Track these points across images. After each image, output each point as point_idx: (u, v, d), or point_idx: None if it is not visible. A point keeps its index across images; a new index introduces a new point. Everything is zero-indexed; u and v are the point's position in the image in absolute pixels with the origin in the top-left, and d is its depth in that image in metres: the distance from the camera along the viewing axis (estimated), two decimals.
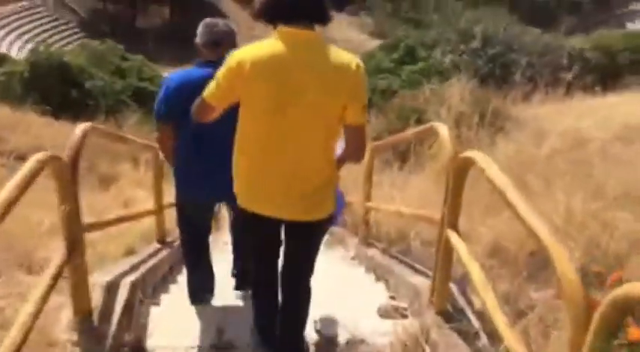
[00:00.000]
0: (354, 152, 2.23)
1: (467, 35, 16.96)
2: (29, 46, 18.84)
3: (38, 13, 35.55)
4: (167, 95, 2.73)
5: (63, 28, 35.28)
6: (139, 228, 4.13)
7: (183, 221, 3.10)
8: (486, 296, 2.01)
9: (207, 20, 2.94)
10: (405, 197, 4.94)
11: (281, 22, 2.06)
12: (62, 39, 32.43)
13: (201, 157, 2.76)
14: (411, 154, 6.49)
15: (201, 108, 2.19)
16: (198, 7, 42.56)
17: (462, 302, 2.70)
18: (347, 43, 39.34)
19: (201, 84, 2.21)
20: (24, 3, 35.19)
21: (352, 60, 2.09)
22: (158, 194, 4.07)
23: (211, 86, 2.12)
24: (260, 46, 2.08)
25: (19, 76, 10.68)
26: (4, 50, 21.34)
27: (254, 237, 2.44)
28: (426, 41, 17.28)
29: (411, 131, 4.55)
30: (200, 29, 2.88)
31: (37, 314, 1.74)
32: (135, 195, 5.64)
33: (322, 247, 2.50)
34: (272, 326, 2.50)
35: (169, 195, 6.30)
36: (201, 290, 3.17)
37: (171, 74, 2.95)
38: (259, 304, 2.54)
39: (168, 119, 2.77)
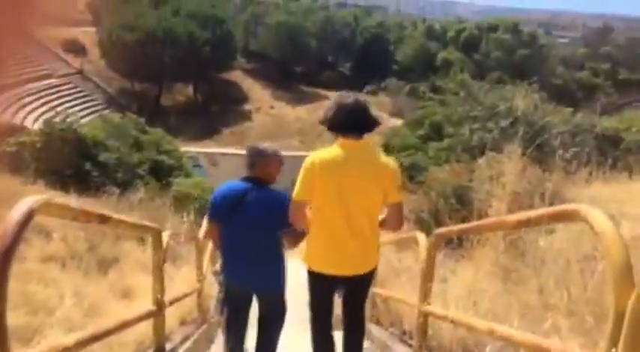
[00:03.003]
0: (394, 223, 3.07)
1: (495, 113, 16.41)
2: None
3: (66, 90, 36.38)
4: (215, 202, 3.35)
5: (90, 104, 35.90)
6: (132, 334, 3.26)
7: (226, 299, 3.53)
8: None
9: (251, 145, 3.59)
10: (456, 293, 4.06)
11: (340, 131, 2.92)
12: (88, 115, 32.87)
13: (239, 250, 3.34)
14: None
15: (295, 209, 2.92)
16: (221, 86, 43.69)
17: None
18: None
19: (240, 195, 3.27)
20: (53, 80, 36.11)
21: (389, 159, 3.05)
22: (159, 286, 3.21)
23: (296, 188, 2.87)
24: (326, 151, 2.92)
25: (30, 146, 10.24)
26: (30, 126, 21.42)
27: (320, 292, 3.16)
28: (452, 118, 16.75)
29: (519, 215, 2.41)
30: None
31: None
32: (137, 281, 4.79)
33: None
34: None
35: (176, 282, 5.50)
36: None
37: (220, 186, 3.47)
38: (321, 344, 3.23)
39: (216, 219, 3.37)
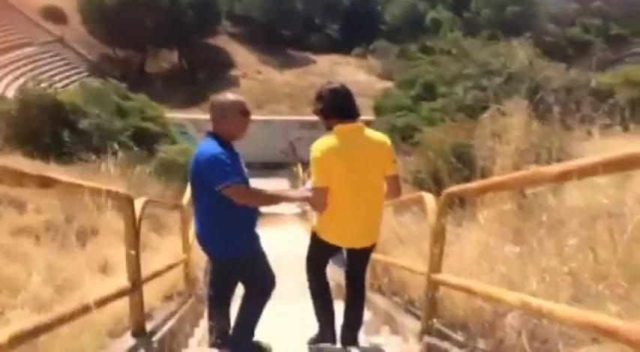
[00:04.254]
0: (395, 193, 3.32)
1: (488, 70, 15.96)
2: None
3: (47, 58, 35.26)
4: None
5: (71, 72, 34.85)
6: (108, 313, 2.90)
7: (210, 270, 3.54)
8: None
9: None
10: (464, 256, 3.74)
11: (338, 117, 3.17)
12: (70, 83, 31.91)
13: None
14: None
15: (317, 196, 3.12)
16: (207, 52, 42.59)
17: None
18: (355, 84, 38.73)
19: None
20: (31, 49, 34.98)
21: (382, 135, 3.32)
22: (133, 260, 2.82)
23: (313, 177, 3.12)
24: (329, 139, 3.13)
25: (6, 115, 9.69)
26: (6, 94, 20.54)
27: (322, 258, 3.50)
28: (444, 77, 16.28)
29: (563, 166, 1.93)
30: None
31: None
32: (117, 253, 4.40)
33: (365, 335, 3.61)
34: (332, 323, 3.48)
35: (160, 254, 5.13)
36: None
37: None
38: (321, 306, 3.47)
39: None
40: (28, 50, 34.16)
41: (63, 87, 25.17)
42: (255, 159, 23.44)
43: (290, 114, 32.12)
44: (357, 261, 3.48)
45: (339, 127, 3.11)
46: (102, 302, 2.48)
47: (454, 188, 3.01)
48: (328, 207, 3.10)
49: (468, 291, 2.58)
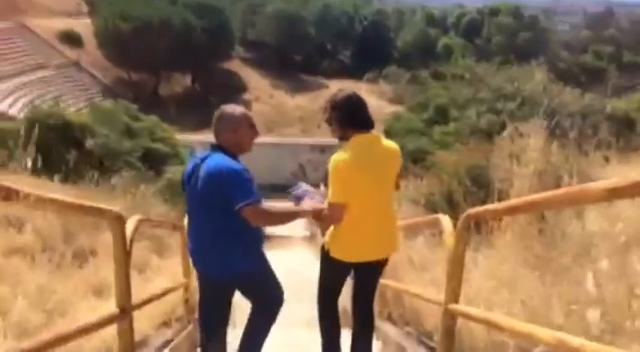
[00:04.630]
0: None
1: (502, 94, 15.77)
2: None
3: (61, 81, 35.67)
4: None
5: (85, 95, 35.20)
6: (97, 340, 2.67)
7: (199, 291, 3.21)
8: None
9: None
10: (482, 284, 3.47)
11: (355, 127, 2.99)
12: (85, 107, 32.18)
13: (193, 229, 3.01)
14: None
15: (335, 212, 2.93)
16: (220, 76, 42.93)
17: None
18: None
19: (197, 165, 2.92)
20: (47, 71, 35.44)
21: (395, 145, 3.14)
22: (122, 285, 2.57)
23: (332, 192, 2.90)
24: (349, 151, 2.92)
25: (15, 133, 9.62)
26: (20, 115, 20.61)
27: (336, 282, 3.25)
28: (457, 101, 16.11)
29: (610, 182, 1.58)
30: None
31: None
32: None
33: None
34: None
35: (159, 277, 4.88)
36: None
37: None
38: (329, 330, 3.25)
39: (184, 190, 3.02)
40: (43, 73, 34.62)
41: (77, 110, 25.37)
42: (264, 181, 23.35)
43: (300, 137, 32.10)
44: (369, 278, 3.26)
45: (358, 137, 2.95)
46: (86, 330, 2.25)
47: (476, 209, 2.72)
48: (345, 220, 2.92)
49: (492, 325, 2.30)
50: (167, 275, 4.61)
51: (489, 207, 2.51)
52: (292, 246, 12.21)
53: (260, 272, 2.97)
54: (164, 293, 3.48)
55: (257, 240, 2.99)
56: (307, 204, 3.08)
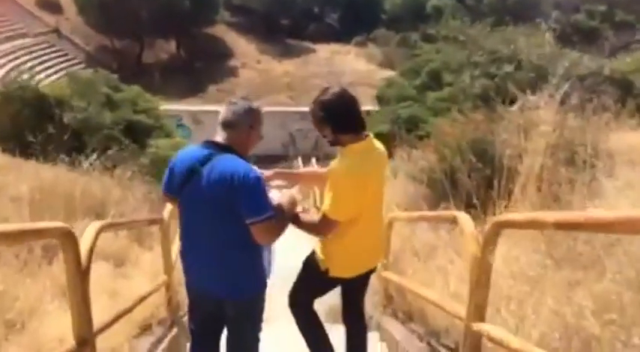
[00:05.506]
0: None
1: (497, 57, 15.24)
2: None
3: (42, 50, 34.48)
4: (170, 169, 2.57)
5: (67, 64, 34.08)
6: None
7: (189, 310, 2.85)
8: None
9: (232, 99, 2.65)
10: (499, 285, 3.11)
11: (351, 131, 2.63)
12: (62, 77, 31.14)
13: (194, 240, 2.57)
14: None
15: (328, 227, 2.60)
16: (205, 42, 41.78)
17: None
18: (355, 74, 38.12)
19: (195, 164, 2.38)
20: (27, 40, 34.26)
21: (383, 147, 2.83)
22: (79, 314, 2.07)
23: (332, 205, 2.55)
24: (352, 161, 2.58)
25: None
26: None
27: (316, 294, 2.99)
28: (450, 65, 15.58)
29: None
30: None
31: None
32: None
33: None
34: None
35: (136, 276, 4.43)
36: None
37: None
38: (316, 341, 2.96)
39: (168, 193, 2.62)
40: (23, 41, 33.39)
41: (58, 78, 24.47)
42: (254, 152, 22.96)
43: (289, 104, 31.44)
44: (361, 286, 3.07)
45: (357, 146, 2.60)
46: None
47: (511, 217, 2.25)
48: (347, 237, 2.65)
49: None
50: (147, 271, 4.20)
51: (531, 216, 2.00)
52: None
53: (263, 296, 2.62)
54: (139, 301, 3.08)
55: (261, 253, 2.61)
56: (307, 216, 2.67)
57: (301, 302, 2.96)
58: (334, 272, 2.76)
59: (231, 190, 2.29)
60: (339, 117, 2.59)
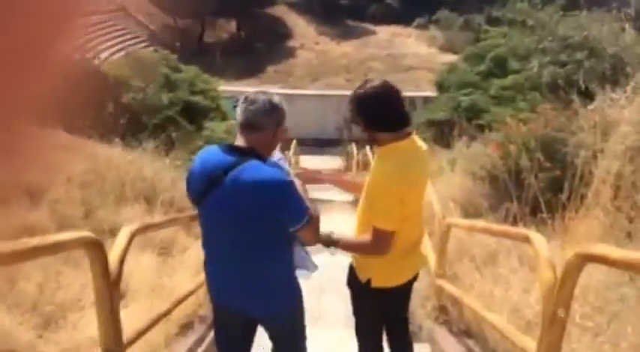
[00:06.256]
0: None
1: (568, 45, 14.37)
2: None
3: (107, 27, 35.45)
4: (190, 174, 2.31)
5: (131, 42, 34.91)
6: None
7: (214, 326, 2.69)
8: None
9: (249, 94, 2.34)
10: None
11: (398, 128, 2.40)
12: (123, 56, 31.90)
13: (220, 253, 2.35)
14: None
15: (385, 241, 2.35)
16: (265, 22, 41.83)
17: None
18: (416, 57, 37.22)
19: (217, 173, 2.12)
20: (94, 18, 35.21)
21: (425, 146, 2.60)
22: (108, 327, 1.94)
23: (384, 216, 2.33)
24: (400, 162, 2.36)
25: None
26: None
27: (380, 318, 2.82)
28: (518, 51, 14.81)
29: None
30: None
31: None
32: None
33: None
34: None
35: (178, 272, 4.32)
36: None
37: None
38: None
39: (191, 199, 2.34)
40: (91, 19, 34.48)
41: (118, 58, 25.10)
42: (308, 136, 22.74)
43: (346, 87, 31.07)
44: (405, 298, 2.88)
45: (396, 146, 2.38)
46: None
47: (596, 249, 1.78)
48: (394, 248, 2.42)
49: None
50: (192, 264, 4.10)
51: (631, 256, 1.57)
52: (335, 212, 10.72)
53: (302, 308, 2.45)
54: (179, 302, 2.95)
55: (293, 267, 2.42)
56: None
57: (368, 338, 2.80)
58: (376, 283, 2.56)
59: (266, 203, 2.08)
60: (371, 113, 2.38)
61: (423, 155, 2.52)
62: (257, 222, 2.13)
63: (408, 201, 2.38)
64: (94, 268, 1.79)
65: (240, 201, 2.10)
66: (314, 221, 2.21)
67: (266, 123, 2.23)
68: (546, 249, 2.10)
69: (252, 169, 2.11)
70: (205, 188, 2.16)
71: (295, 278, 2.38)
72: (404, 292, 2.78)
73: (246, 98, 2.27)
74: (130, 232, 2.18)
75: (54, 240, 1.68)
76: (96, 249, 1.76)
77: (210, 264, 2.36)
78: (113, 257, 1.94)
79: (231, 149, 2.20)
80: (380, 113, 2.36)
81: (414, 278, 2.78)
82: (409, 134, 2.44)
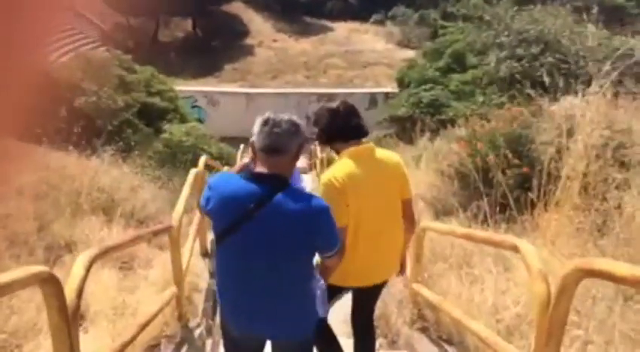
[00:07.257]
0: (410, 223, 2.93)
1: (524, 39, 14.63)
2: None
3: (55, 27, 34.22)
4: (209, 199, 2.13)
5: (81, 42, 33.81)
6: None
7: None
8: None
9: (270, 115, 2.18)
10: None
11: (342, 139, 2.74)
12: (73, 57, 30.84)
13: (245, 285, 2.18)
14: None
15: (342, 236, 2.42)
16: (222, 19, 41.19)
17: None
18: (374, 53, 37.37)
19: (249, 206, 2.00)
20: None
21: (395, 155, 2.89)
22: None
23: (336, 214, 2.25)
24: (342, 167, 2.65)
25: None
26: None
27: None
28: (475, 46, 14.99)
29: None
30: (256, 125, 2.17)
31: None
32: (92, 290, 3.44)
33: None
34: None
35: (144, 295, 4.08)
36: None
37: (218, 178, 2.20)
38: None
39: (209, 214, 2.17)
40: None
41: (69, 60, 24.16)
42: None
43: (306, 84, 30.89)
44: (371, 299, 3.09)
45: (349, 151, 2.69)
46: None
47: (597, 263, 1.64)
48: (349, 248, 2.54)
49: None
50: (157, 278, 3.89)
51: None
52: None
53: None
54: (144, 327, 2.76)
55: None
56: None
57: (326, 330, 2.91)
58: (338, 283, 2.70)
59: (312, 229, 2.05)
60: (328, 125, 2.73)
61: (379, 161, 2.74)
62: (297, 248, 2.08)
63: (353, 206, 2.58)
64: (50, 303, 1.61)
65: (278, 233, 2.02)
66: (342, 248, 2.28)
67: (291, 146, 2.14)
68: (537, 259, 2.01)
69: (288, 201, 2.02)
70: (240, 219, 2.02)
71: (315, 303, 2.30)
72: (366, 295, 2.97)
73: (267, 121, 2.14)
74: (87, 259, 1.97)
75: (6, 281, 1.48)
76: (51, 285, 1.58)
77: (232, 291, 2.19)
78: (70, 289, 1.75)
79: (260, 179, 2.07)
80: (333, 123, 2.72)
81: (382, 285, 2.97)
82: (360, 143, 2.71)
